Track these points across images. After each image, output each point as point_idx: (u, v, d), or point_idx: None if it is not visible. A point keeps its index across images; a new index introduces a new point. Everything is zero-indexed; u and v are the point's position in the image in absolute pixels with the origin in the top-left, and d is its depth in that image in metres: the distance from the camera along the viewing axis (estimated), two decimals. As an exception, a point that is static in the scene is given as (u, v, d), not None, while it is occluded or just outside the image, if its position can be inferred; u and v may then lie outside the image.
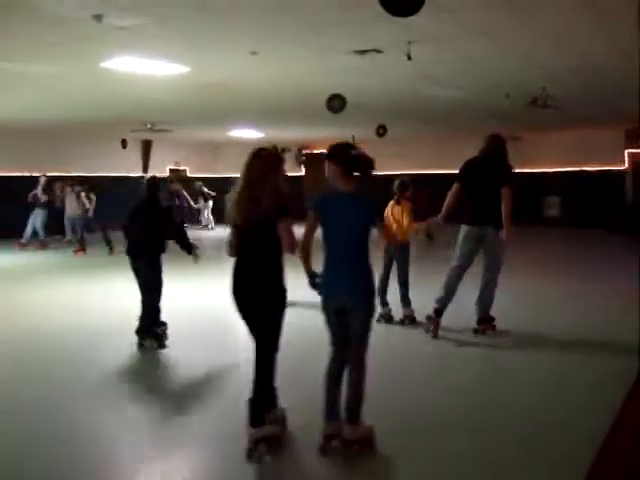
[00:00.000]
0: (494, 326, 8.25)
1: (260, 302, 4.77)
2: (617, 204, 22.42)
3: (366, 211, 4.82)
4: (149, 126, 19.96)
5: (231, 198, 4.87)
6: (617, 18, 7.76)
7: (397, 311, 8.96)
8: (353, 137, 22.77)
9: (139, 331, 7.79)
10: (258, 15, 7.54)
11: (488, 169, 8.02)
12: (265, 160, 4.94)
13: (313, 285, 4.84)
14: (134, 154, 26.45)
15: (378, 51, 9.44)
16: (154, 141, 26.28)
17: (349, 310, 4.69)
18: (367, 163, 4.82)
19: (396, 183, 9.09)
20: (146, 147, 26.73)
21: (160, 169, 27.55)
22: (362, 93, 13.25)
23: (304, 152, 29.50)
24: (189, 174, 29.08)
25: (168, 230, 7.92)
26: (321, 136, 25.22)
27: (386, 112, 16.87)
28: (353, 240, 4.74)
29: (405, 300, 8.95)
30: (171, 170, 28.01)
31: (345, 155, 4.78)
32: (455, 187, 8.18)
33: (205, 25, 7.99)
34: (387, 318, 8.91)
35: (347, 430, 4.68)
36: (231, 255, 4.95)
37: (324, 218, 4.80)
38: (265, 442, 4.66)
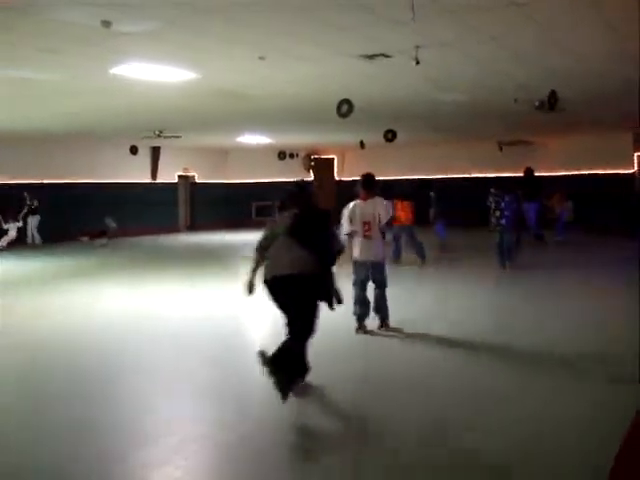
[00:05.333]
0: None
1: None
2: (627, 207, 22.26)
3: None
4: (157, 133, 19.99)
5: None
6: (624, 21, 7.74)
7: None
8: (362, 142, 22.83)
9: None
10: (266, 21, 7.54)
11: None
12: None
13: None
14: (144, 160, 26.49)
15: (386, 56, 9.44)
16: (163, 147, 26.32)
17: None
18: None
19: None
20: (155, 154, 26.76)
21: (169, 175, 27.63)
22: (370, 98, 13.25)
23: (312, 157, 29.52)
24: (197, 180, 29.16)
25: None
26: (329, 141, 25.25)
27: (394, 117, 16.86)
28: None
29: None
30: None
31: None
32: None
33: (214, 31, 7.99)
34: None
35: None
36: None
37: None
38: None
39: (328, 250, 6.27)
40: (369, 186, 8.72)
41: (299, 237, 6.15)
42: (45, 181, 22.85)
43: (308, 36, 8.36)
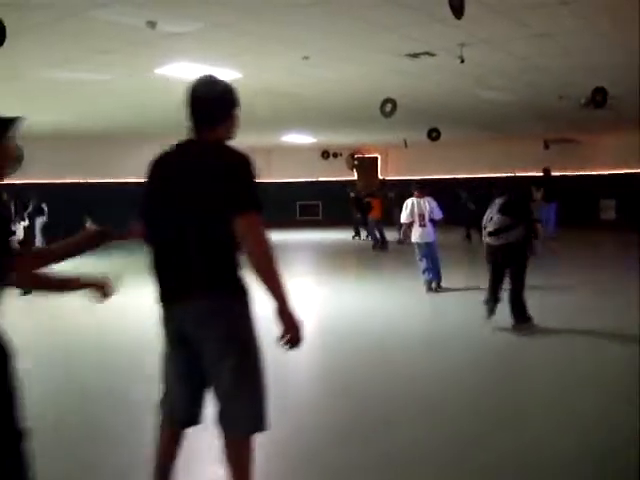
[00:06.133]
0: None
1: None
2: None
3: None
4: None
5: None
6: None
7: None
8: (405, 141, 22.75)
9: None
10: (310, 20, 7.56)
11: None
12: None
13: None
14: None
15: (431, 54, 9.39)
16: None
17: None
18: None
19: None
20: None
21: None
22: (414, 97, 13.19)
23: (356, 156, 29.46)
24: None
25: None
26: (373, 140, 25.18)
27: (438, 115, 16.76)
28: None
29: None
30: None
31: None
32: None
33: (258, 31, 8.04)
34: None
35: None
36: None
37: None
38: None
39: (529, 220, 8.55)
40: (422, 187, 11.48)
41: (509, 213, 8.35)
42: (89, 180, 23.11)
43: (352, 35, 8.36)
